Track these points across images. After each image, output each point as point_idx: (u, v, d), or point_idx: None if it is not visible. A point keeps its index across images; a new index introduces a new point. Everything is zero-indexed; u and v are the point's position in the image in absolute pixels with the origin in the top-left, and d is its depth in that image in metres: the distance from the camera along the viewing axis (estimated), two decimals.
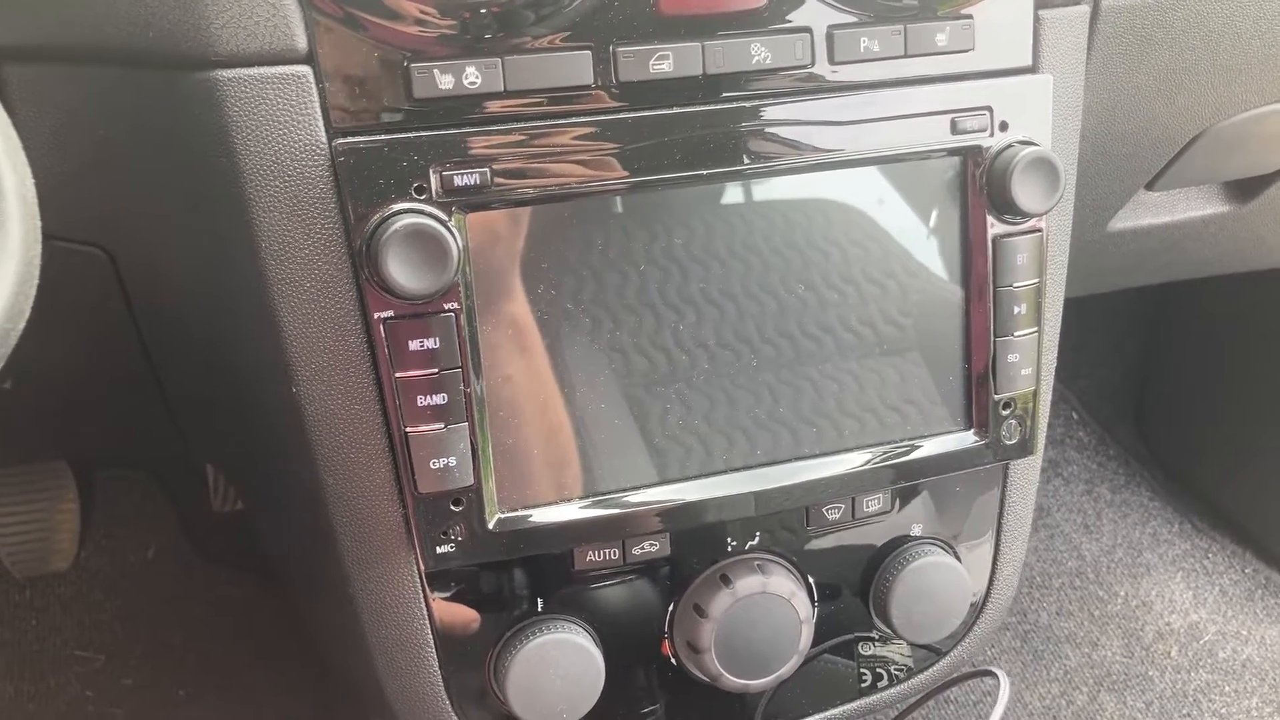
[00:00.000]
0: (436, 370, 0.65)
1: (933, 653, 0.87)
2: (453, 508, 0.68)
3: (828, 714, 0.84)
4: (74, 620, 1.49)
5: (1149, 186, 1.09)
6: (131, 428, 1.11)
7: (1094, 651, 1.70)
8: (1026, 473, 0.83)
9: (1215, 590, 1.78)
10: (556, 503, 0.70)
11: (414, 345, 0.64)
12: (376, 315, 0.64)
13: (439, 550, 0.68)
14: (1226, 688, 1.67)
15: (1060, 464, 1.98)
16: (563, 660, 0.72)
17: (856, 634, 0.83)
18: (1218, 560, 1.81)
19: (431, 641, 0.73)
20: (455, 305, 0.65)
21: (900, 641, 0.86)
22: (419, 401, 0.65)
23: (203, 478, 1.45)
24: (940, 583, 0.79)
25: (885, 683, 0.86)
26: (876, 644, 0.85)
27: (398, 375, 0.65)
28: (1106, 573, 1.79)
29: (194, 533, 1.53)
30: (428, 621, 0.72)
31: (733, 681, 0.75)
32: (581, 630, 0.73)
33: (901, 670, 0.86)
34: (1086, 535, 1.83)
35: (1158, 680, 1.67)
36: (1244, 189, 1.16)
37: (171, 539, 1.55)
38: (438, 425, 0.66)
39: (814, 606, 0.78)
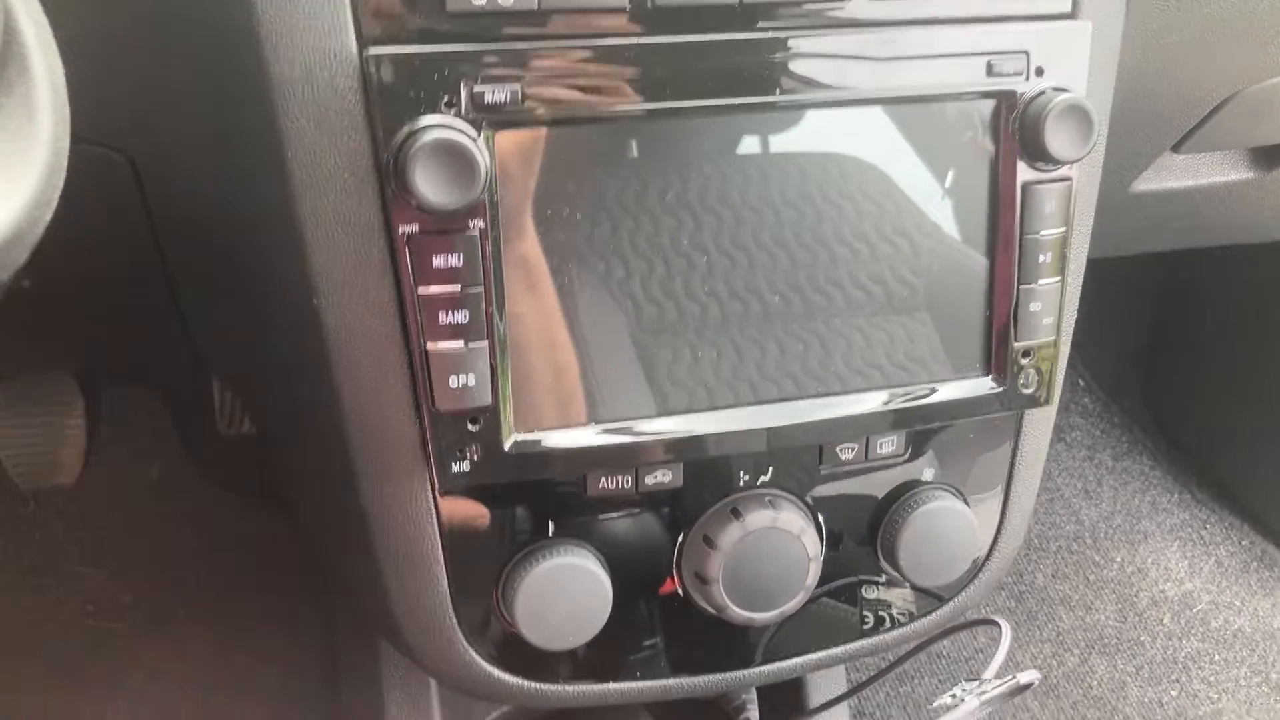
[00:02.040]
0: (459, 287, 0.65)
1: (935, 599, 0.88)
2: (469, 427, 0.68)
3: (829, 652, 0.84)
4: (76, 536, 1.50)
5: (1175, 148, 1.08)
6: (142, 342, 1.11)
7: (1088, 615, 1.71)
8: (1040, 424, 0.83)
9: (1211, 561, 1.79)
10: (572, 427, 0.70)
11: (438, 261, 0.64)
12: (401, 229, 0.64)
13: (454, 469, 0.68)
14: (1216, 656, 1.68)
15: (1064, 429, 1.99)
16: (571, 584, 0.73)
17: (861, 576, 0.84)
18: (1215, 531, 1.82)
19: (442, 560, 0.73)
20: (481, 224, 0.64)
21: (903, 587, 0.86)
22: (440, 318, 0.65)
23: (209, 400, 1.46)
24: (949, 528, 0.79)
25: (887, 626, 0.86)
26: (880, 588, 0.86)
27: (420, 291, 0.65)
28: (1104, 538, 1.80)
29: (198, 455, 1.54)
30: (438, 540, 0.72)
31: (738, 614, 0.75)
32: (591, 556, 0.74)
33: (904, 615, 0.87)
34: (1086, 500, 1.84)
35: (1149, 646, 1.69)
36: (1269, 157, 1.15)
37: (176, 460, 1.55)
38: (458, 343, 0.65)
39: (822, 545, 0.78)
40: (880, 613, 0.86)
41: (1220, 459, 1.86)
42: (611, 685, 0.80)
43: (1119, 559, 1.77)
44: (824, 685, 1.10)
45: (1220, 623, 1.71)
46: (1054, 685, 1.63)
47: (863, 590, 0.85)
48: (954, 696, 0.81)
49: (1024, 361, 0.76)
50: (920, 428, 0.78)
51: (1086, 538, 1.79)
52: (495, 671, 0.77)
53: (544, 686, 0.78)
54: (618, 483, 0.73)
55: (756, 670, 0.83)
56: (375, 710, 1.02)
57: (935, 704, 0.81)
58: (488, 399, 0.67)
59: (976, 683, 0.82)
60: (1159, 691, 1.64)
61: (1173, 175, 1.13)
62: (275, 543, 1.49)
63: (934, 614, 0.87)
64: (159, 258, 0.84)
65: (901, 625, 0.87)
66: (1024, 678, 0.81)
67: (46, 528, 1.50)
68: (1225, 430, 1.86)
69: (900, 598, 0.87)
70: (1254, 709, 1.63)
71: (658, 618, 0.79)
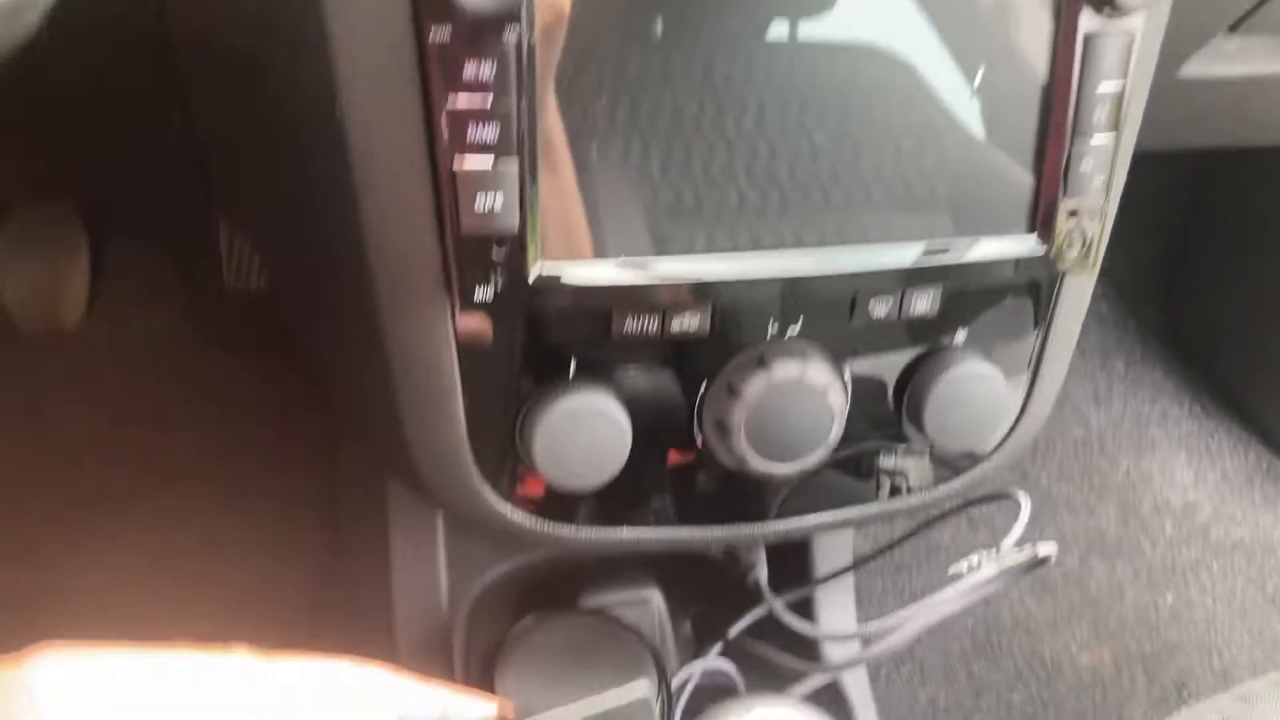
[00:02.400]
0: (490, 100, 0.61)
1: (952, 470, 0.86)
2: (494, 254, 0.65)
3: (842, 512, 0.83)
4: (77, 382, 1.48)
5: (1232, 28, 1.03)
6: (150, 180, 1.08)
7: (1090, 518, 1.71)
8: (1078, 293, 0.81)
9: (1217, 471, 1.78)
10: (600, 262, 0.68)
11: (469, 71, 0.61)
12: (432, 35, 0.60)
13: (476, 297, 0.66)
14: (1214, 565, 1.69)
15: (1079, 334, 1.97)
16: (591, 425, 0.71)
17: (883, 439, 0.82)
18: (1223, 443, 1.81)
19: (459, 393, 0.71)
20: (516, 32, 0.61)
21: (923, 455, 0.85)
22: (470, 133, 0.62)
23: (216, 252, 1.43)
24: (978, 393, 0.77)
25: (904, 492, 0.85)
26: (899, 456, 0.84)
27: (449, 102, 0.61)
28: (1111, 444, 1.79)
29: (203, 309, 1.51)
30: (456, 372, 0.70)
31: (758, 464, 0.74)
32: (612, 399, 0.72)
33: (921, 483, 0.85)
34: (1096, 407, 1.83)
35: (1149, 551, 1.69)
36: None
37: (179, 315, 1.53)
38: (487, 159, 0.62)
39: (847, 401, 0.76)
40: (897, 479, 0.85)
41: (1234, 373, 1.84)
42: (624, 530, 0.78)
43: (1125, 465, 1.76)
44: (831, 556, 1.09)
45: (1221, 533, 1.71)
46: (1052, 585, 1.63)
47: (882, 454, 0.84)
48: (970, 564, 0.80)
49: (1070, 222, 0.73)
50: (957, 285, 0.75)
51: (1094, 443, 1.78)
52: (508, 508, 0.75)
53: (555, 526, 0.77)
54: (643, 325, 0.71)
55: (769, 525, 0.82)
56: (380, 558, 1.01)
57: (951, 570, 0.80)
58: (514, 224, 0.64)
59: (993, 550, 0.81)
60: (1155, 596, 1.64)
61: (1225, 61, 1.08)
62: (280, 400, 1.47)
63: (951, 483, 0.86)
64: (174, 79, 0.81)
65: (918, 493, 0.85)
66: (1042, 549, 0.80)
67: (46, 372, 1.48)
68: (1241, 345, 1.84)
69: (917, 467, 0.86)
70: (1248, 618, 1.63)
71: (675, 467, 0.78)
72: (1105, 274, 1.92)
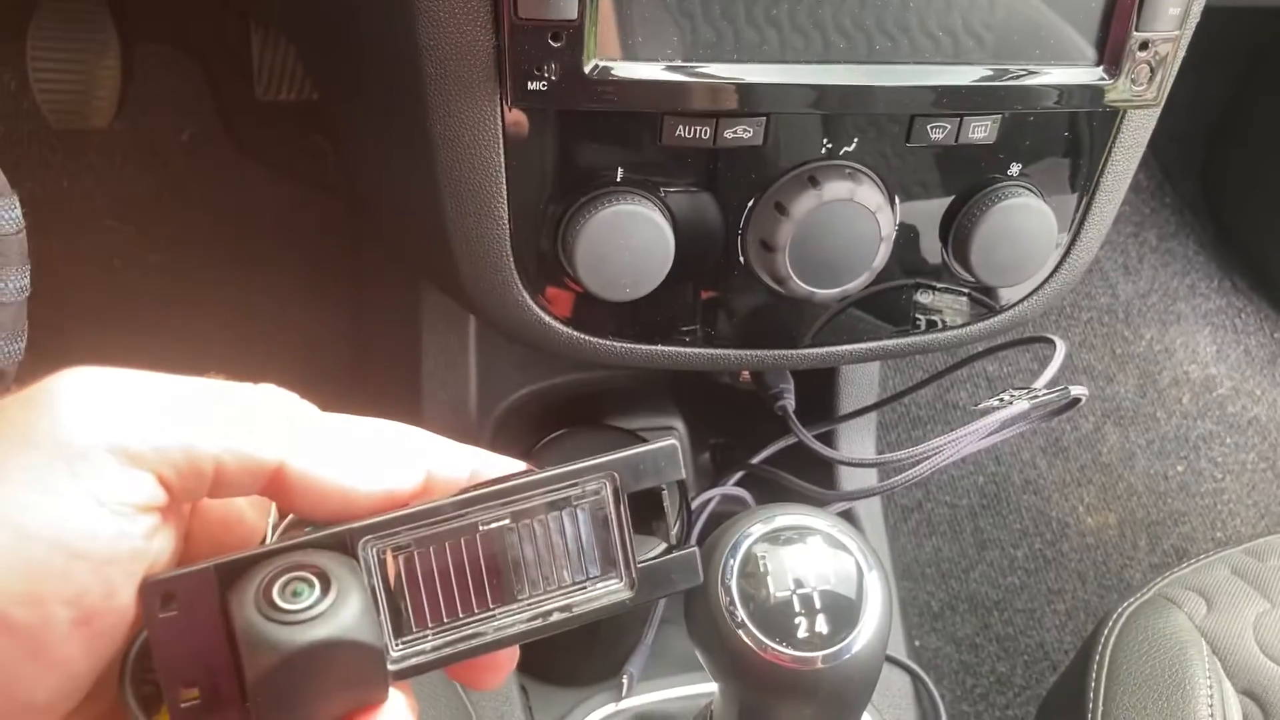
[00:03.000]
0: None
1: (988, 310, 0.86)
2: (550, 42, 0.63)
3: (877, 343, 0.83)
4: (106, 190, 1.48)
5: None
6: None
7: (1108, 386, 1.72)
8: (1138, 131, 0.79)
9: (1239, 349, 1.78)
10: (657, 60, 0.66)
11: None
12: None
13: (530, 87, 0.64)
14: (1228, 439, 1.70)
15: None
16: (635, 233, 0.70)
17: (924, 273, 0.81)
18: (1249, 320, 1.80)
19: (504, 191, 0.70)
20: None
21: (959, 295, 0.84)
22: None
23: (247, 61, 1.40)
24: (1029, 227, 0.76)
25: (939, 328, 0.84)
26: (937, 293, 0.83)
27: None
28: (1137, 315, 1.78)
29: (232, 121, 1.49)
30: (502, 168, 0.69)
31: (800, 286, 0.73)
32: (657, 209, 0.71)
33: (957, 319, 0.85)
34: (1125, 276, 1.81)
35: (1164, 422, 1.70)
36: None
37: (208, 125, 1.51)
38: None
39: (895, 226, 0.75)
40: (932, 315, 0.84)
41: (1268, 252, 1.82)
42: (659, 347, 0.78)
43: (1148, 336, 1.76)
44: (857, 395, 1.10)
45: (1237, 408, 1.71)
46: (1065, 448, 1.65)
47: (919, 294, 0.83)
48: (1001, 400, 0.80)
49: (1140, 54, 0.71)
50: (1018, 114, 0.73)
51: (1120, 312, 1.77)
52: (545, 316, 0.75)
53: (590, 338, 0.77)
54: (695, 132, 0.69)
55: (803, 351, 0.82)
56: (410, 369, 1.02)
57: (982, 405, 0.80)
58: (573, 12, 0.62)
59: (1026, 390, 0.80)
60: (1166, 465, 1.66)
61: None
62: (308, 214, 1.47)
63: (987, 320, 0.85)
64: None
65: (953, 329, 0.85)
66: (1075, 390, 0.80)
67: (75, 178, 1.47)
68: (1277, 225, 1.81)
69: (954, 306, 0.85)
70: (1255, 492, 1.65)
71: (715, 285, 0.77)
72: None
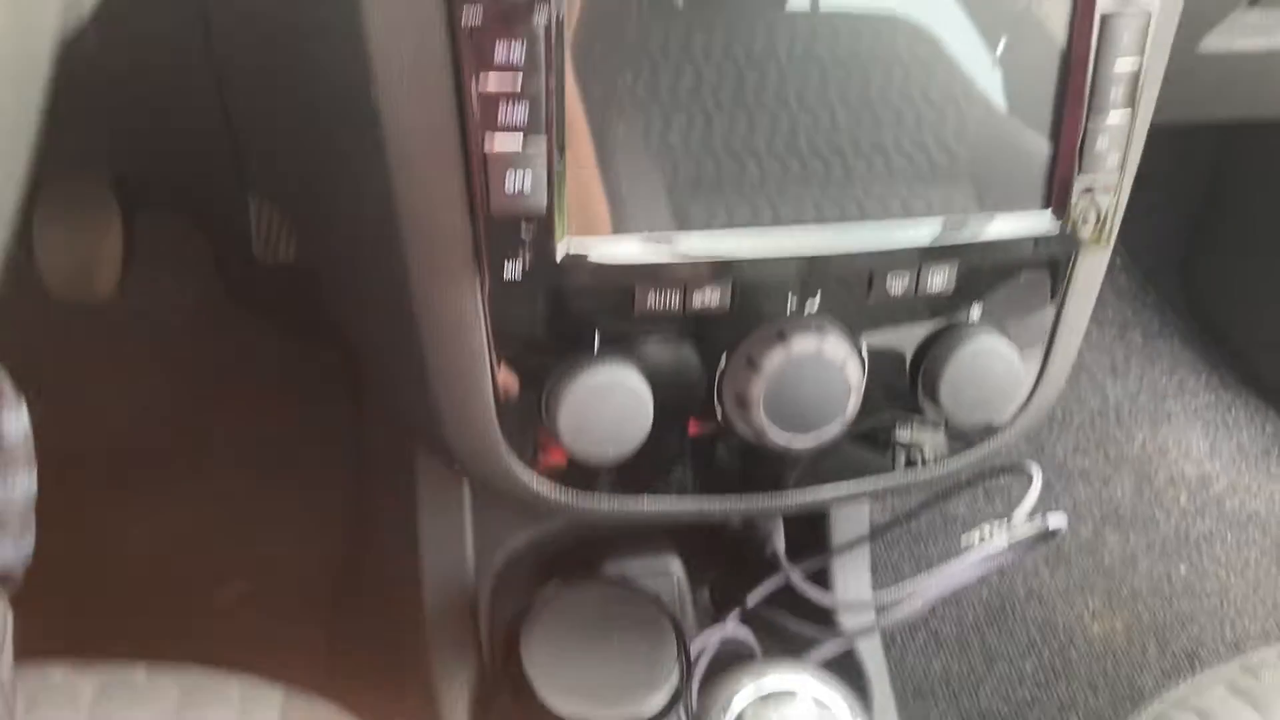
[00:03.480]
0: (520, 82, 0.63)
1: (966, 443, 0.88)
2: (522, 232, 0.67)
3: (859, 483, 0.85)
4: (111, 353, 1.52)
5: (1252, 1, 1.04)
6: (183, 152, 1.10)
7: (1105, 489, 1.73)
8: (1092, 269, 0.82)
9: (1232, 444, 1.79)
10: (625, 240, 0.70)
11: (500, 54, 0.63)
12: (464, 17, 0.62)
13: (506, 275, 0.68)
14: (1229, 537, 1.70)
15: (1096, 306, 1.97)
16: (614, 399, 0.73)
17: (899, 412, 0.84)
18: (1239, 415, 1.82)
19: (488, 367, 0.73)
20: (546, 17, 0.62)
21: (938, 427, 0.86)
22: (500, 114, 0.64)
23: (246, 225, 1.45)
24: (993, 367, 0.79)
25: (919, 464, 0.87)
26: (914, 428, 0.86)
27: (480, 84, 0.63)
28: (1127, 416, 1.80)
29: (232, 282, 1.54)
30: (486, 346, 0.72)
31: (776, 437, 0.76)
32: (635, 372, 0.74)
33: (936, 454, 0.87)
34: (1113, 378, 1.84)
35: (1163, 523, 1.70)
36: None
37: (208, 286, 1.56)
38: (516, 140, 0.64)
39: (864, 375, 0.78)
40: (912, 452, 0.87)
41: (1252, 345, 1.85)
42: (646, 499, 0.81)
43: (1141, 437, 1.78)
44: (848, 527, 1.11)
45: (1235, 504, 1.72)
46: (1066, 554, 1.65)
47: (896, 431, 0.86)
48: (982, 534, 0.82)
49: (1085, 198, 0.75)
50: (973, 262, 0.77)
51: (1110, 414, 1.79)
52: (534, 478, 0.78)
53: (579, 496, 0.79)
54: (665, 301, 0.73)
55: (786, 496, 0.84)
56: (408, 526, 1.04)
57: (964, 540, 0.82)
58: (543, 204, 0.66)
59: (1005, 521, 0.83)
60: (1169, 567, 1.66)
61: (1244, 34, 1.09)
62: (308, 372, 1.50)
63: (965, 455, 0.88)
64: (207, 47, 0.83)
65: (933, 464, 0.87)
66: (1053, 521, 0.82)
67: (80, 343, 1.51)
68: (1260, 317, 1.84)
69: (932, 439, 0.87)
70: (1261, 589, 1.65)
71: (695, 439, 0.80)
72: (1124, 245, 1.93)
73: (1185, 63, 1.09)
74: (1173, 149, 1.83)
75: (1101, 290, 1.69)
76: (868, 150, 0.71)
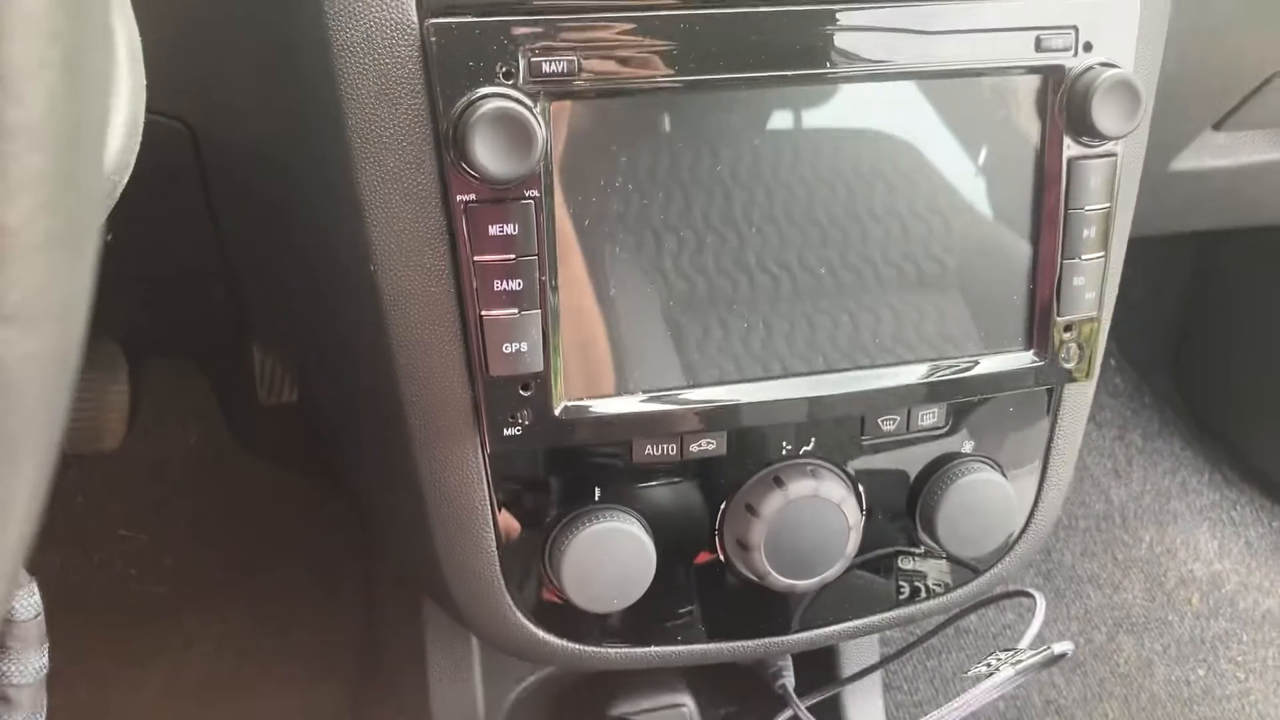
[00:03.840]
0: (514, 256, 0.66)
1: (970, 571, 0.89)
2: (521, 392, 0.69)
3: (865, 620, 0.86)
4: (119, 500, 1.53)
5: (1216, 127, 1.08)
6: (189, 310, 1.13)
7: (1115, 594, 1.72)
8: (1079, 400, 0.84)
9: (1241, 542, 1.79)
10: (620, 395, 0.72)
11: (494, 230, 0.65)
12: (458, 198, 0.65)
13: (505, 433, 0.70)
14: (1245, 637, 1.69)
15: (1094, 409, 1.98)
16: (616, 549, 0.74)
17: (899, 547, 0.85)
18: (1245, 512, 1.82)
19: (490, 522, 0.75)
20: (535, 193, 0.65)
21: (939, 558, 0.87)
22: (495, 286, 0.66)
23: (251, 369, 1.48)
24: (988, 500, 0.80)
25: (923, 596, 0.87)
26: (917, 559, 0.87)
27: (476, 259, 0.66)
28: (1133, 518, 1.80)
29: (238, 425, 1.56)
30: (488, 503, 0.74)
31: (779, 580, 0.77)
32: (636, 521, 0.75)
33: (939, 586, 0.88)
34: (1116, 480, 1.84)
35: (1177, 625, 1.69)
36: None
37: (215, 430, 1.58)
38: (512, 310, 0.67)
39: (862, 514, 0.79)
40: (916, 583, 0.88)
41: (1252, 441, 1.86)
42: (653, 649, 0.81)
43: (1148, 538, 1.77)
44: (857, 655, 1.11)
45: (1249, 603, 1.71)
46: (1081, 662, 1.64)
47: (899, 561, 0.87)
48: (988, 665, 0.82)
49: (1066, 336, 0.77)
50: (961, 400, 0.79)
51: (1116, 517, 1.79)
52: (539, 632, 0.79)
53: (586, 648, 0.80)
54: (663, 450, 0.75)
55: (794, 637, 0.84)
56: (417, 670, 1.04)
57: (970, 673, 0.82)
58: (539, 365, 0.69)
59: (1010, 652, 0.83)
60: (1186, 671, 1.64)
61: (1213, 154, 1.13)
62: (314, 511, 1.51)
63: (969, 585, 0.89)
64: (212, 224, 0.86)
65: (937, 596, 0.88)
66: (1058, 648, 0.83)
67: (89, 491, 1.53)
68: (1257, 412, 1.85)
69: (935, 569, 0.88)
70: None
71: (699, 584, 0.81)
72: (1116, 346, 1.94)
73: (1159, 181, 1.13)
74: (1156, 252, 1.87)
75: (1098, 392, 1.69)
76: (854, 305, 0.74)
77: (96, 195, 0.37)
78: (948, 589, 0.88)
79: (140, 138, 0.53)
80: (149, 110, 0.74)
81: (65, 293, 0.34)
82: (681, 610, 0.82)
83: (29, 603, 0.68)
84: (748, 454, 0.77)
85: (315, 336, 0.87)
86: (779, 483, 0.76)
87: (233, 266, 0.91)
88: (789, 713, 0.98)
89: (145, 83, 0.53)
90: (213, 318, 1.25)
